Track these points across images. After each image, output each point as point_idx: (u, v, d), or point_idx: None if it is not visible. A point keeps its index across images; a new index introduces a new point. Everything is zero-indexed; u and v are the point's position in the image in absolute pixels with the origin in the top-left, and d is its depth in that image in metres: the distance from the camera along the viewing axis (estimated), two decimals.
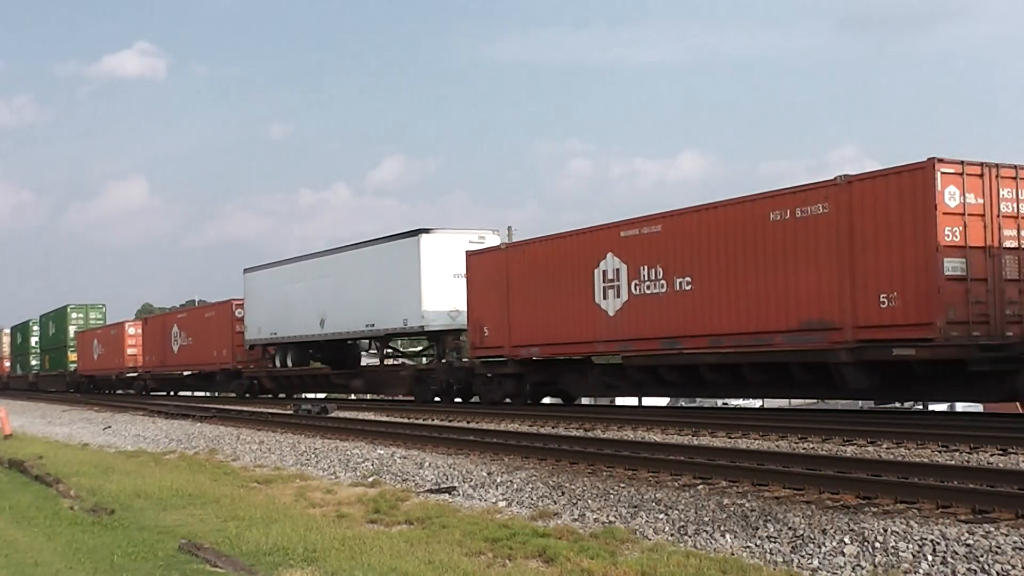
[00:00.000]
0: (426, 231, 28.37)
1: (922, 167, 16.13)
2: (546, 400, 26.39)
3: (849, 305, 16.96)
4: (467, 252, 26.57)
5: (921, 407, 24.56)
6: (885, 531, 8.08)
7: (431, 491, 12.42)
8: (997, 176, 16.55)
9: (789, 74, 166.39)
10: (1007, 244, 16.47)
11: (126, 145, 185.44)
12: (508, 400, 25.48)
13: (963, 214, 16.00)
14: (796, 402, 26.97)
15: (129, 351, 48.48)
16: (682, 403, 31.34)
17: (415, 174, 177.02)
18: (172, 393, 47.62)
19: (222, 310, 40.59)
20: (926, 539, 7.77)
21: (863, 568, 7.51)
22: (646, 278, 20.85)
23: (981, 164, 16.39)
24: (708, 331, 19.41)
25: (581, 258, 22.54)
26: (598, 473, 12.34)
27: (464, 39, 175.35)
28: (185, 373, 44.39)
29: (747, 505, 9.57)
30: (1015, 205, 16.54)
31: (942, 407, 25.03)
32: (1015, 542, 7.48)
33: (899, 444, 13.78)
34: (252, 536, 9.40)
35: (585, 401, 29.22)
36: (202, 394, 45.03)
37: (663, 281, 20.49)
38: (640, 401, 27.24)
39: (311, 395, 36.57)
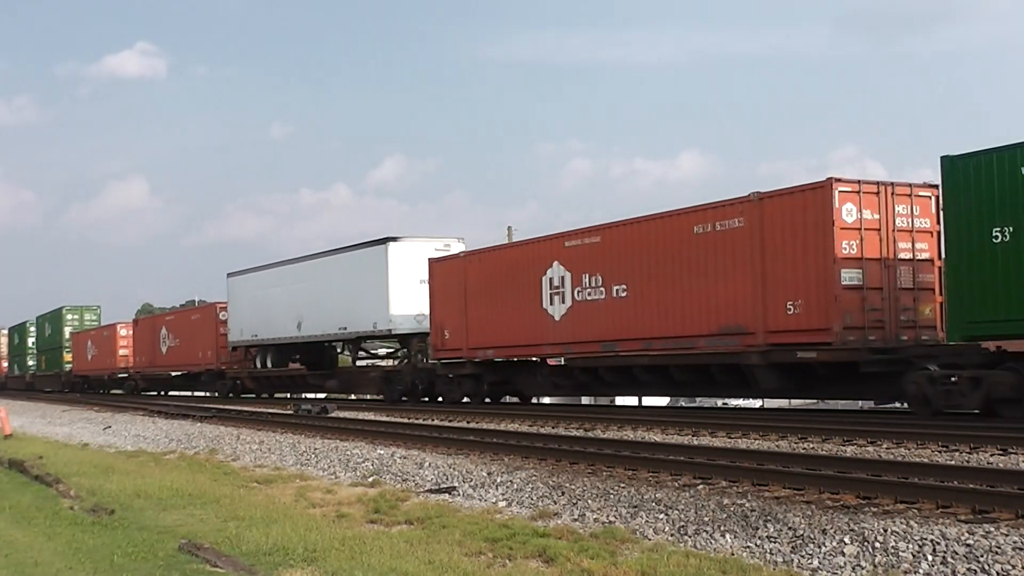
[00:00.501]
0: (393, 239, 30.06)
1: (822, 186, 17.63)
2: (505, 399, 27.56)
3: (761, 312, 18.49)
4: (430, 259, 28.14)
5: None
6: (885, 531, 8.08)
7: (431, 491, 12.42)
8: (893, 194, 18.02)
9: (789, 74, 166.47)
10: (902, 256, 17.90)
11: (126, 145, 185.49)
12: (467, 399, 26.67)
13: (860, 229, 17.53)
14: (796, 402, 27.01)
15: (121, 352, 49.86)
16: (682, 403, 31.39)
17: (415, 174, 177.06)
18: (162, 393, 48.55)
19: (207, 313, 41.94)
20: (926, 539, 7.78)
21: (863, 568, 7.51)
22: (587, 285, 22.42)
23: (877, 183, 17.94)
24: (641, 335, 20.97)
25: (530, 266, 24.14)
26: (598, 473, 12.34)
27: (465, 39, 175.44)
28: (173, 373, 45.63)
29: (747, 505, 9.58)
30: (909, 220, 18.01)
31: None
32: (1015, 542, 7.48)
33: (899, 444, 13.79)
34: (252, 536, 9.40)
35: (585, 401, 29.51)
36: (188, 394, 46.08)
37: (602, 288, 22.05)
38: (640, 401, 27.35)
39: (312, 395, 37.34)
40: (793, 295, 17.96)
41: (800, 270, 17.91)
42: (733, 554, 8.22)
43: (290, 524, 10.00)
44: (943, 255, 16.64)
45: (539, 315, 23.67)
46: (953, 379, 15.88)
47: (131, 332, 50.29)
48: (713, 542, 8.65)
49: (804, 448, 14.07)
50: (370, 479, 13.80)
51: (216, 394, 41.10)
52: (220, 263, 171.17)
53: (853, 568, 7.54)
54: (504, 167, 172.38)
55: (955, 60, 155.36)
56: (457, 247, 29.80)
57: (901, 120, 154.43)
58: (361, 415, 25.50)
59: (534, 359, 25.27)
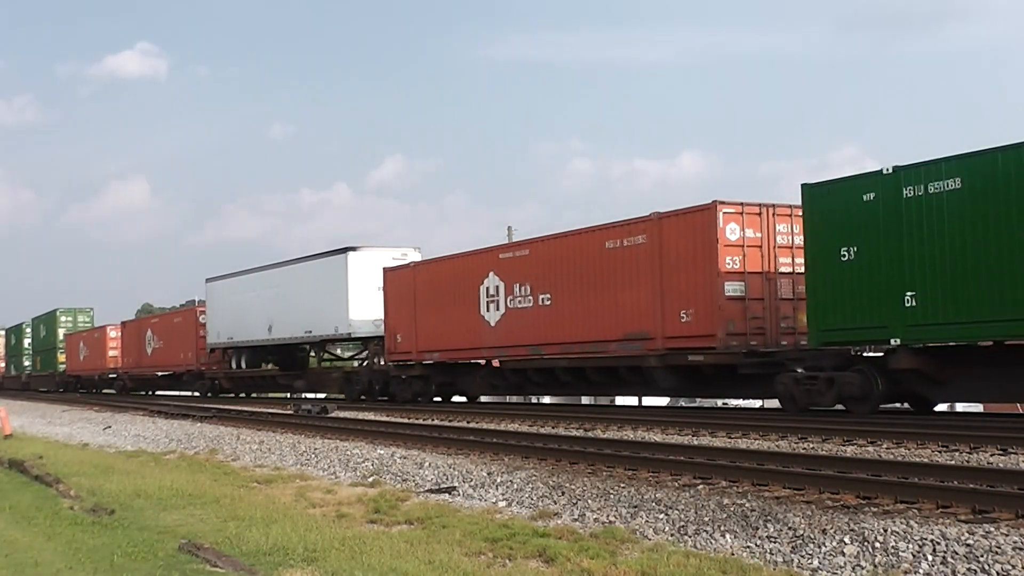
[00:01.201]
0: (353, 249, 32.23)
1: (708, 208, 19.66)
2: (455, 399, 29.51)
3: (660, 319, 20.57)
4: (384, 268, 30.19)
5: None
6: (885, 531, 8.08)
7: (431, 491, 12.42)
8: (774, 214, 20.02)
9: (790, 74, 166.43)
10: (782, 269, 19.85)
11: (127, 145, 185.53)
12: (419, 399, 28.62)
13: (742, 246, 19.58)
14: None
15: (111, 353, 51.83)
16: (682, 403, 31.41)
17: (416, 174, 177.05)
18: (150, 393, 50.13)
19: (188, 316, 44.05)
20: (926, 539, 7.78)
21: (863, 568, 7.51)
22: (518, 294, 24.63)
23: (760, 205, 19.86)
24: (562, 340, 23.12)
25: (470, 276, 26.24)
26: (598, 473, 12.34)
27: (465, 39, 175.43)
28: (159, 373, 47.73)
29: (747, 505, 9.57)
30: (790, 237, 19.86)
31: (942, 407, 25.00)
32: (1015, 542, 7.48)
33: (899, 444, 13.79)
34: (252, 536, 9.40)
35: (585, 401, 29.67)
36: (173, 393, 47.58)
37: (530, 297, 24.28)
38: (640, 401, 27.46)
39: (312, 395, 38.04)
40: (686, 304, 20.01)
41: (691, 282, 19.89)
42: (733, 554, 8.22)
43: (290, 524, 10.00)
44: (805, 270, 18.40)
45: (477, 321, 25.76)
46: (813, 380, 17.94)
47: (120, 334, 52.15)
48: (713, 542, 8.65)
49: (804, 448, 14.07)
50: (370, 479, 13.80)
51: (197, 393, 43.02)
52: (221, 263, 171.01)
53: (853, 568, 7.54)
54: (504, 167, 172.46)
55: (955, 60, 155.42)
56: (413, 256, 31.72)
57: (901, 120, 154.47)
58: (361, 415, 25.50)
59: (475, 361, 27.14)
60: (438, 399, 28.98)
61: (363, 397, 30.95)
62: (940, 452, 13.01)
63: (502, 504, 11.26)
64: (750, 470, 11.23)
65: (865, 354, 17.93)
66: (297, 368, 36.49)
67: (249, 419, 25.61)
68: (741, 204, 19.72)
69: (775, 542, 8.35)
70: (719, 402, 28.64)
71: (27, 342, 67.25)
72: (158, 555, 8.77)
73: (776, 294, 19.89)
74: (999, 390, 16.92)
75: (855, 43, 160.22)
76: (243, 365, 39.17)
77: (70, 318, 60.68)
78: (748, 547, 8.37)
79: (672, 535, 9.02)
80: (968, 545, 7.53)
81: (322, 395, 36.00)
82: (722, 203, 19.51)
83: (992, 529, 7.92)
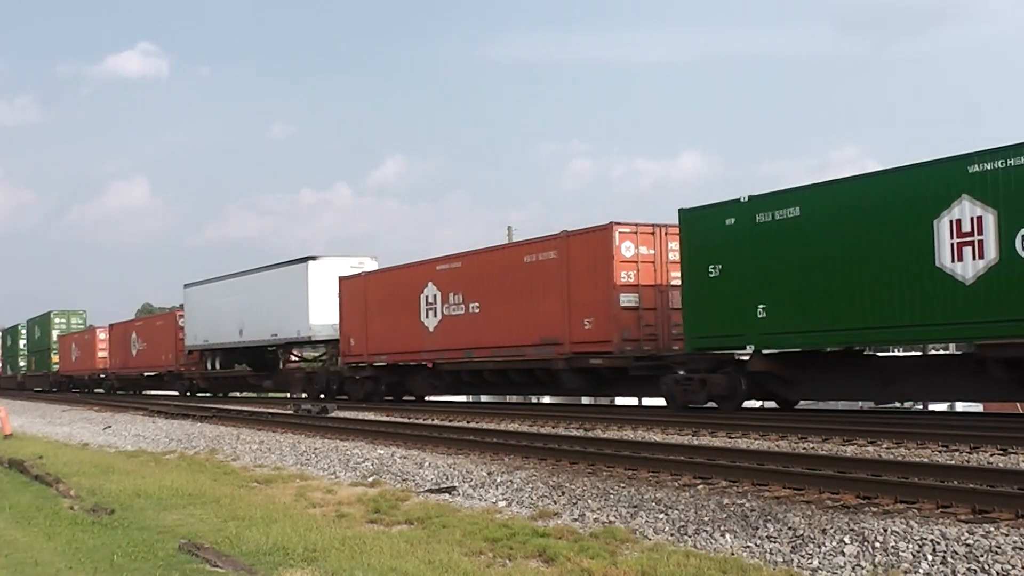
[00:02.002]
0: (313, 258, 34.43)
1: (605, 228, 21.94)
2: (406, 398, 31.30)
3: (567, 326, 22.87)
4: (340, 277, 32.39)
5: (921, 407, 24.57)
6: (885, 531, 8.07)
7: (431, 491, 12.42)
8: (666, 233, 22.04)
9: (790, 74, 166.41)
10: (673, 283, 21.62)
11: (128, 145, 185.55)
12: (371, 398, 30.55)
13: (637, 262, 21.86)
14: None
15: (100, 354, 54.14)
16: (774, 404, 31.30)
17: (416, 174, 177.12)
18: (136, 392, 51.91)
19: (168, 319, 46.33)
20: (926, 539, 7.77)
21: (863, 568, 7.51)
22: (452, 303, 26.95)
23: (653, 225, 22.12)
24: (489, 344, 25.37)
25: (412, 286, 28.57)
26: (598, 473, 12.34)
27: (466, 39, 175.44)
28: (146, 374, 49.92)
29: (747, 505, 9.57)
30: (680, 254, 21.21)
31: (942, 407, 25.02)
32: (1015, 542, 7.48)
33: (899, 444, 13.79)
34: (252, 536, 9.40)
35: (586, 401, 29.79)
36: (156, 392, 49.81)
37: (463, 305, 26.54)
38: (640, 401, 27.54)
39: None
40: (589, 313, 22.27)
41: (592, 294, 22.11)
42: (733, 554, 8.21)
43: (290, 524, 10.00)
44: (681, 284, 20.71)
45: (418, 327, 28.17)
46: (689, 380, 20.27)
47: (108, 336, 54.36)
48: (713, 542, 8.65)
49: (804, 448, 14.07)
50: (370, 479, 13.80)
51: (176, 393, 45.45)
52: (221, 263, 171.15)
53: (853, 568, 7.54)
54: (505, 167, 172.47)
55: (956, 60, 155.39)
56: (370, 265, 33.92)
57: (902, 120, 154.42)
58: (361, 415, 25.52)
59: (417, 363, 29.54)
60: (389, 398, 30.76)
61: (322, 396, 32.93)
62: (940, 452, 13.01)
63: (502, 504, 11.25)
64: (750, 470, 11.23)
65: (739, 357, 19.71)
66: (267, 369, 38.50)
67: (249, 419, 25.61)
68: (635, 225, 22.08)
69: (775, 542, 8.35)
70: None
71: (23, 343, 69.39)
72: (158, 555, 8.77)
73: (668, 304, 21.85)
74: (840, 390, 19.75)
75: (855, 43, 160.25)
76: (217, 366, 41.49)
77: (63, 320, 62.71)
78: (748, 547, 8.37)
79: (672, 535, 9.02)
80: (968, 545, 7.52)
81: (289, 394, 37.98)
82: (618, 224, 21.89)
83: (992, 529, 7.92)
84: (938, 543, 7.65)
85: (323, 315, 33.08)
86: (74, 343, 58.72)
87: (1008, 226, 15.06)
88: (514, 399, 32.37)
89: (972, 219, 15.52)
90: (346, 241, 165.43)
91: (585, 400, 30.09)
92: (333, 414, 25.61)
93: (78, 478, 14.65)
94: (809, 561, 7.80)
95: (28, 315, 71.07)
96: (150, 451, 20.46)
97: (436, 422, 22.27)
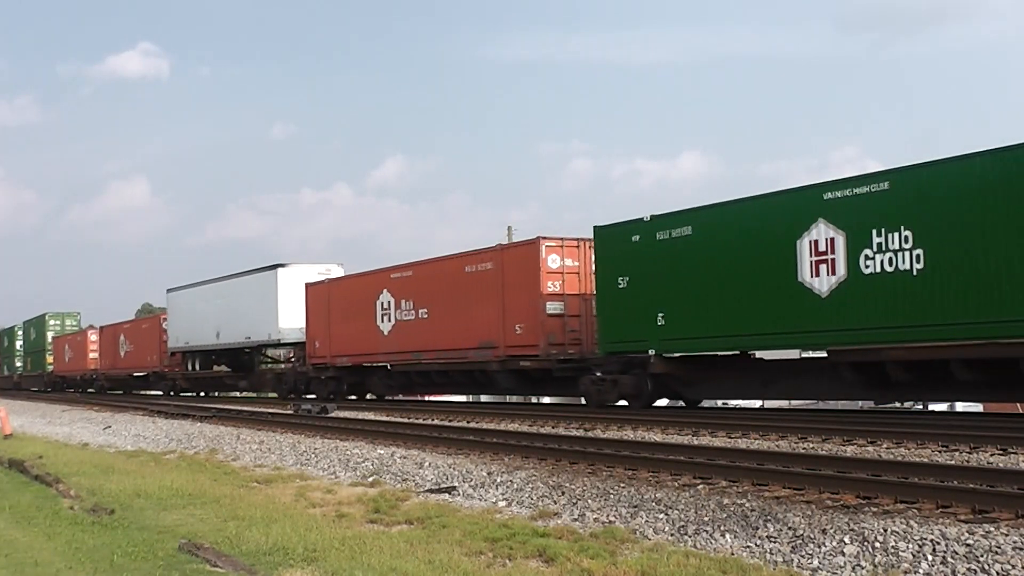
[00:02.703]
0: (282, 265, 36.68)
1: (533, 242, 24.22)
2: (368, 396, 33.65)
3: (502, 331, 24.86)
4: (306, 284, 34.54)
5: (921, 407, 24.59)
6: (885, 531, 8.08)
7: (431, 491, 12.42)
8: (589, 247, 23.52)
9: (790, 74, 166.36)
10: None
11: (128, 145, 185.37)
12: (334, 396, 32.26)
13: (562, 273, 23.85)
14: (796, 402, 27.07)
15: (91, 355, 56.29)
16: (682, 403, 31.39)
17: (416, 174, 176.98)
18: (127, 392, 53.31)
19: (153, 322, 48.69)
20: (926, 539, 7.78)
21: (863, 568, 7.51)
22: (404, 309, 29.12)
23: (578, 239, 24.03)
24: (436, 347, 27.47)
25: (369, 292, 30.67)
26: (598, 473, 12.34)
27: (466, 39, 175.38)
28: (134, 374, 52.05)
29: (747, 505, 9.57)
30: (594, 267, 23.11)
31: (942, 407, 25.04)
32: (1015, 542, 7.48)
33: (899, 444, 13.79)
34: (252, 536, 9.40)
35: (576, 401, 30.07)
36: (144, 392, 51.71)
37: (413, 311, 28.69)
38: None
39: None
40: (520, 320, 24.29)
41: (523, 302, 24.14)
42: (733, 554, 8.22)
43: (290, 524, 10.00)
44: (596, 294, 22.80)
45: (375, 331, 30.22)
46: (603, 381, 22.27)
47: (99, 338, 56.56)
48: (713, 542, 8.65)
49: (804, 448, 14.07)
50: (370, 479, 13.80)
51: (160, 392, 47.70)
52: (222, 263, 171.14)
53: (853, 568, 7.54)
54: (505, 167, 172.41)
55: (956, 60, 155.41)
56: (337, 272, 35.99)
57: (901, 120, 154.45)
58: (361, 415, 25.54)
59: (375, 365, 31.51)
60: (353, 397, 33.00)
61: (291, 395, 35.03)
62: (940, 452, 13.01)
63: (502, 504, 11.26)
64: (750, 470, 11.23)
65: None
66: (243, 370, 40.38)
67: (249, 419, 25.62)
68: (562, 239, 24.14)
69: (775, 542, 8.35)
70: (719, 402, 28.79)
71: (19, 344, 71.47)
72: (158, 555, 8.77)
73: (591, 312, 23.38)
74: (731, 389, 22.80)
75: (855, 43, 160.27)
76: (197, 367, 43.63)
77: (58, 321, 64.84)
78: (748, 547, 8.37)
79: (672, 535, 9.02)
80: (968, 545, 7.53)
81: (261, 393, 40.58)
82: (544, 238, 24.01)
83: (992, 529, 7.92)
84: (938, 543, 7.65)
85: (292, 319, 35.22)
86: (67, 344, 60.75)
87: (853, 247, 17.13)
88: (514, 399, 32.45)
89: (827, 240, 17.59)
90: (346, 241, 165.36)
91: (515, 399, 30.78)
92: (333, 414, 25.61)
93: (78, 478, 14.65)
94: (809, 561, 7.80)
95: (28, 315, 72.91)
96: (150, 451, 20.47)
97: (436, 422, 22.27)
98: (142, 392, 51.29)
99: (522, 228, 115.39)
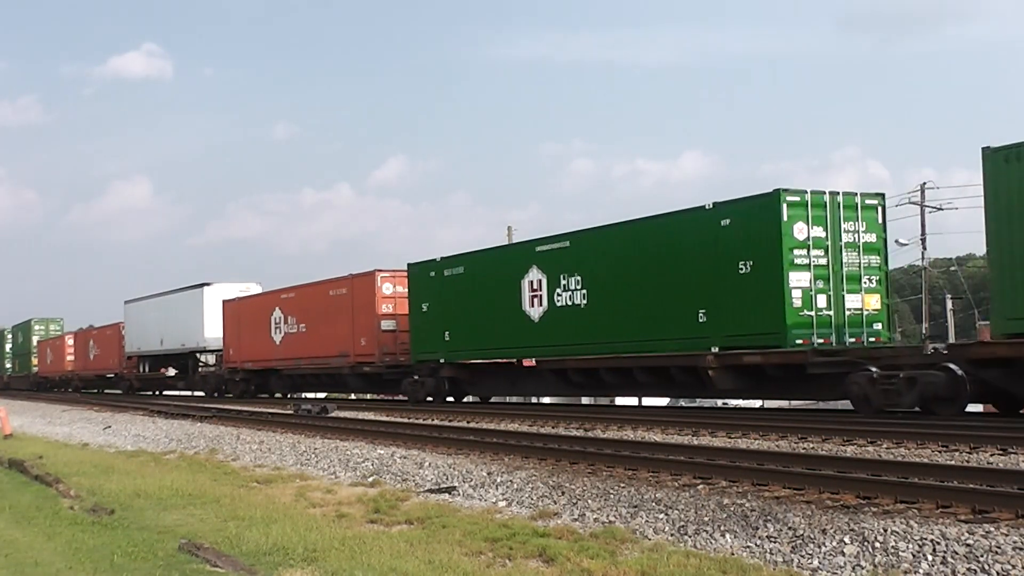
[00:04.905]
0: (208, 284, 43.44)
1: (371, 274, 31.06)
2: (276, 395, 39.44)
3: (352, 343, 31.72)
4: (223, 300, 41.21)
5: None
6: (885, 531, 8.07)
7: (431, 491, 12.42)
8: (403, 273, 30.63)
9: (791, 74, 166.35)
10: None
11: (130, 145, 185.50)
12: (244, 394, 39.02)
13: (395, 298, 30.56)
14: (796, 403, 27.08)
15: (68, 357, 62.25)
16: (682, 403, 31.50)
17: (417, 174, 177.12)
18: (99, 391, 58.40)
19: (115, 329, 54.62)
20: (926, 539, 7.77)
21: (863, 568, 7.51)
22: (290, 324, 36.22)
23: (410, 264, 29.69)
24: (309, 355, 34.61)
25: (267, 309, 37.79)
26: (598, 473, 12.33)
27: (467, 39, 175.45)
28: (107, 375, 57.89)
29: (747, 505, 9.57)
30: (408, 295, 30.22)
31: None
32: (1015, 542, 7.48)
33: (899, 444, 13.78)
34: (252, 536, 9.40)
35: (586, 401, 30.17)
36: (108, 391, 57.54)
37: (296, 326, 35.85)
38: (640, 401, 27.76)
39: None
40: (364, 334, 31.16)
41: (365, 321, 31.06)
42: (733, 554, 8.21)
43: (290, 524, 10.00)
44: (408, 315, 29.74)
45: (270, 341, 37.27)
46: (416, 382, 29.06)
47: (74, 342, 62.43)
48: (713, 542, 8.64)
49: (804, 448, 14.06)
50: (370, 479, 13.80)
51: (121, 391, 54.14)
52: (223, 263, 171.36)
53: (853, 568, 7.53)
54: (506, 167, 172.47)
55: (957, 60, 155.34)
56: (255, 289, 42.30)
57: (902, 120, 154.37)
58: (361, 415, 25.54)
59: (271, 369, 38.09)
60: (263, 395, 39.23)
61: (216, 394, 41.71)
62: (940, 452, 13.00)
63: (502, 504, 11.25)
64: (750, 470, 11.22)
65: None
66: (184, 372, 46.71)
67: (249, 419, 25.61)
68: (394, 271, 30.79)
69: (775, 542, 8.35)
70: (719, 402, 28.91)
71: (8, 347, 77.85)
72: (158, 555, 8.77)
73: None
74: (497, 388, 29.29)
75: (856, 43, 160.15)
76: (147, 369, 50.71)
77: (43, 327, 70.86)
78: (748, 547, 8.36)
79: (672, 535, 9.02)
80: (968, 545, 7.52)
81: (198, 392, 46.04)
82: (380, 271, 30.92)
83: (992, 529, 7.91)
84: (938, 543, 7.64)
85: (216, 330, 41.67)
86: (49, 348, 66.94)
87: (552, 286, 24.15)
88: (514, 399, 32.53)
89: (537, 280, 24.61)
90: (347, 241, 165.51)
91: (585, 400, 30.64)
92: (333, 414, 25.60)
93: (78, 478, 14.65)
94: (809, 561, 7.80)
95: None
96: (150, 451, 20.46)
97: (436, 422, 22.26)
98: (108, 391, 57.38)
99: (523, 228, 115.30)
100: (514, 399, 32.32)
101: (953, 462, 11.85)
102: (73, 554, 9.02)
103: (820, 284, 19.24)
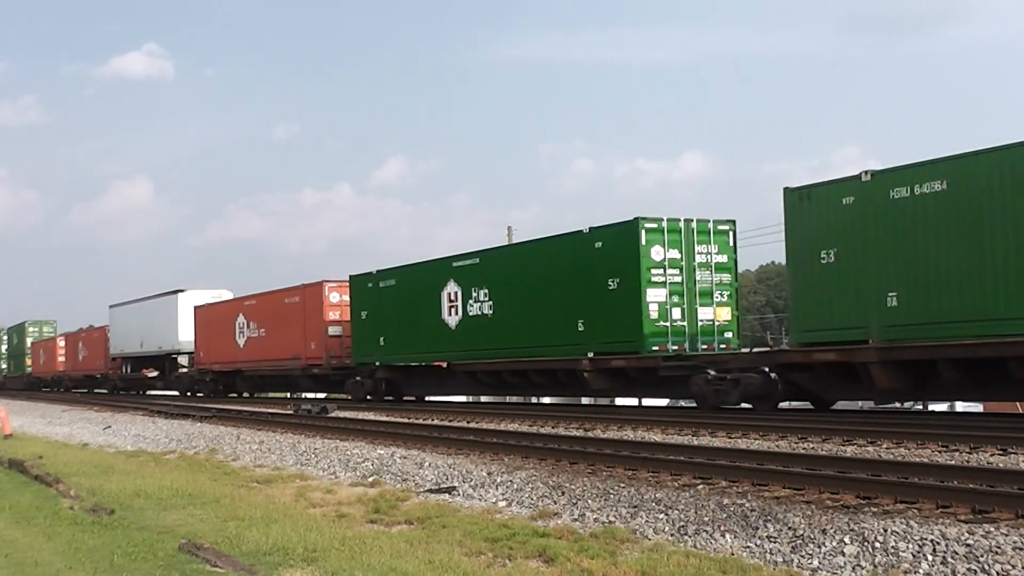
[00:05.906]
0: (182, 291, 46.48)
1: (319, 284, 34.33)
2: (244, 394, 41.83)
3: (304, 347, 34.75)
4: (195, 306, 44.09)
5: (921, 407, 24.61)
6: (885, 531, 8.08)
7: (431, 491, 12.42)
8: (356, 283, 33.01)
9: (791, 74, 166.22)
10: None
11: (131, 145, 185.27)
12: (212, 394, 42.01)
13: (341, 306, 33.48)
14: (796, 403, 27.09)
15: (59, 359, 64.72)
16: (682, 403, 31.48)
17: (418, 174, 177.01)
18: (88, 391, 60.16)
19: (101, 332, 57.46)
20: (926, 539, 7.77)
21: (863, 568, 7.51)
22: (252, 328, 39.11)
23: (351, 275, 32.66)
24: (268, 358, 37.52)
25: (231, 315, 40.77)
26: (598, 473, 12.34)
27: (468, 40, 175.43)
28: (97, 376, 59.78)
29: (747, 505, 9.57)
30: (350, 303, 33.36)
31: (942, 407, 25.08)
32: (1015, 542, 7.48)
33: (899, 444, 13.79)
34: (252, 536, 9.40)
35: (586, 401, 30.14)
36: (96, 391, 59.17)
37: (257, 331, 38.72)
38: (640, 401, 27.78)
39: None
40: (314, 339, 34.32)
41: (314, 327, 34.29)
42: (733, 554, 8.21)
43: (290, 524, 10.00)
44: (351, 323, 32.81)
45: (235, 345, 40.18)
46: (358, 382, 31.83)
47: (65, 344, 64.89)
48: (713, 542, 8.65)
49: (804, 448, 14.07)
50: (370, 479, 13.80)
51: (107, 391, 56.24)
52: (223, 263, 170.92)
53: (853, 568, 7.54)
54: (507, 168, 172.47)
55: (958, 60, 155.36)
56: (227, 296, 44.73)
57: (902, 120, 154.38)
58: (361, 415, 25.53)
59: (235, 370, 40.85)
60: (233, 395, 41.53)
61: (188, 393, 44.58)
62: (940, 452, 13.01)
63: (502, 504, 11.25)
64: (750, 470, 11.23)
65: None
66: (164, 373, 49.07)
67: (249, 419, 25.61)
68: (340, 281, 33.67)
69: (775, 542, 8.35)
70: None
71: (3, 348, 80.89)
72: (158, 555, 8.77)
73: None
74: (426, 388, 31.56)
75: (856, 43, 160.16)
76: (129, 370, 53.43)
77: (36, 329, 73.79)
78: (748, 547, 8.37)
79: (672, 535, 9.02)
80: (968, 545, 7.52)
81: (173, 392, 48.52)
82: (327, 281, 34.13)
83: (992, 529, 7.92)
84: (938, 543, 7.65)
85: (189, 333, 44.50)
86: (42, 349, 69.62)
87: (466, 298, 26.98)
88: (514, 399, 32.58)
89: (454, 292, 27.35)
90: (347, 241, 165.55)
91: (586, 400, 30.64)
92: (333, 414, 25.60)
93: (78, 478, 14.65)
94: (809, 561, 7.80)
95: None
96: (150, 451, 20.46)
97: (436, 422, 22.27)
98: (96, 390, 59.20)
99: (523, 228, 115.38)
100: (486, 398, 33.35)
101: (953, 462, 11.86)
102: (73, 554, 9.02)
103: (675, 299, 22.01)
